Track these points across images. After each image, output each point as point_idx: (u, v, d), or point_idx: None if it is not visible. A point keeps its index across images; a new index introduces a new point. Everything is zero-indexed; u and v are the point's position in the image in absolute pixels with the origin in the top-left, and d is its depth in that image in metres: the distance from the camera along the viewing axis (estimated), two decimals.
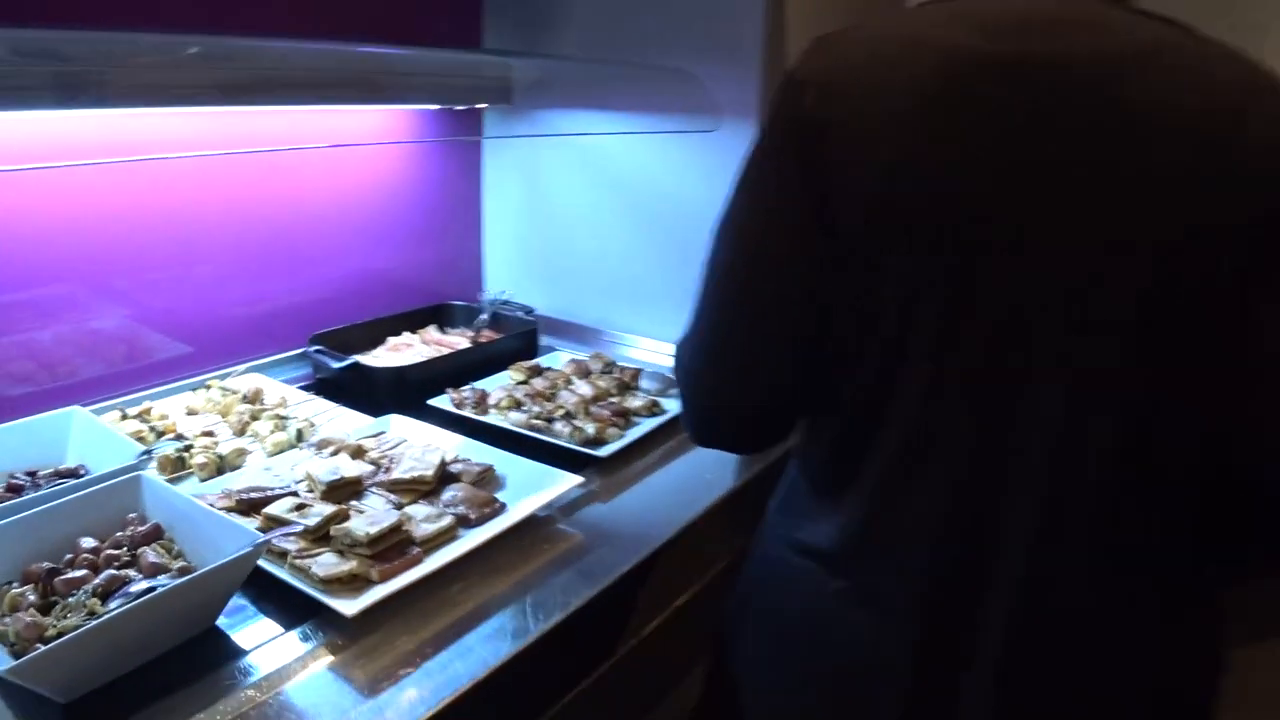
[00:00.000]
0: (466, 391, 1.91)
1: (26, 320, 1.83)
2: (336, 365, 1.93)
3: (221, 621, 1.28)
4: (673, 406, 1.92)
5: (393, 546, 1.37)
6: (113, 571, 1.28)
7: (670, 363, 2.23)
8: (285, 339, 2.14)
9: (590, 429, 1.74)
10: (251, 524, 1.41)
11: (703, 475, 1.71)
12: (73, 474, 1.58)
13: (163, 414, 1.81)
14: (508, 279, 2.62)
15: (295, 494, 1.49)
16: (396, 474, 1.54)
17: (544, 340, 2.42)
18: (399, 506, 1.49)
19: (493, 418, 1.85)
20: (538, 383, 1.99)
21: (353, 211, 2.32)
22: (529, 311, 2.38)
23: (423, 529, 1.42)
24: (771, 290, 1.10)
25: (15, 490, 1.54)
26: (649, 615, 1.50)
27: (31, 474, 1.59)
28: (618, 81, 2.19)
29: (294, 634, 1.26)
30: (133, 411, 1.79)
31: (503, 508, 1.50)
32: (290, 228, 2.20)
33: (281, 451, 1.69)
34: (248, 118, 2.03)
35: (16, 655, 1.12)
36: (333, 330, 2.13)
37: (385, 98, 2.10)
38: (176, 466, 1.62)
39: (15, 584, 1.27)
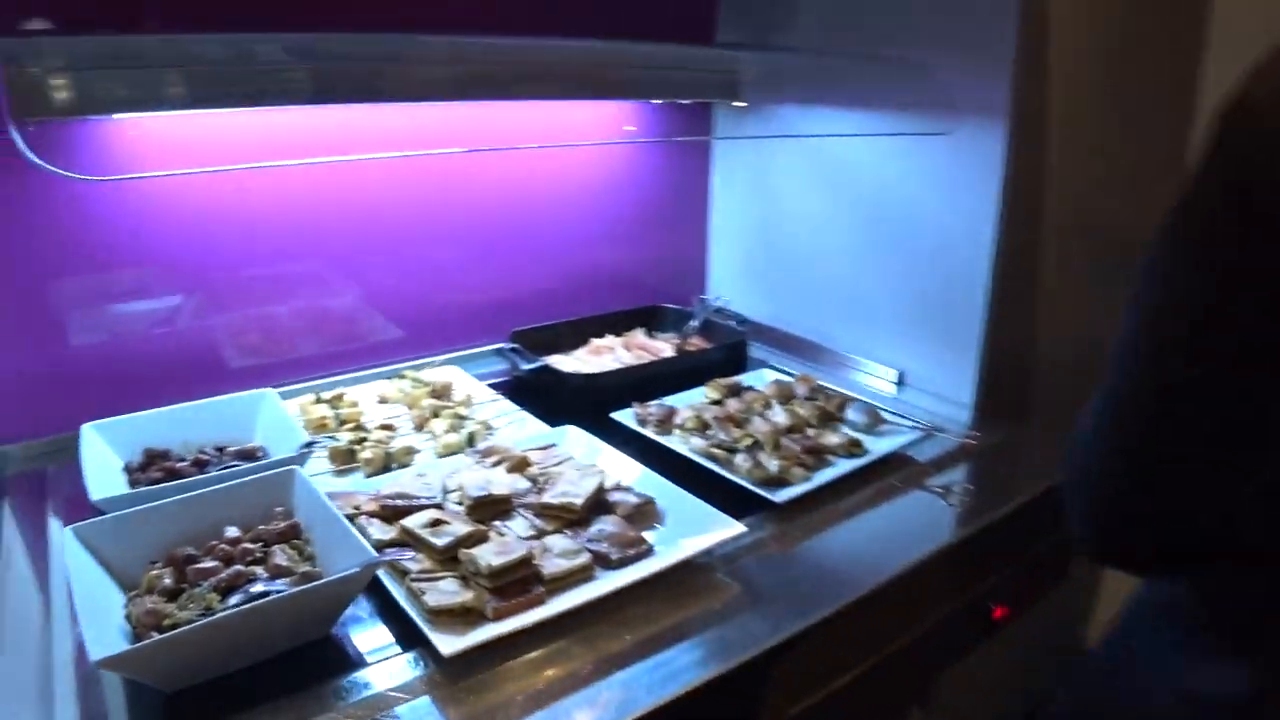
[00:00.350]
0: (653, 407, 1.76)
1: (262, 295, 1.92)
2: (526, 366, 1.85)
3: (345, 625, 1.25)
4: (877, 447, 1.67)
5: (517, 581, 1.25)
6: (240, 567, 1.25)
7: (888, 389, 2.04)
8: (496, 331, 2.09)
9: (774, 466, 1.54)
10: (389, 533, 1.35)
11: (901, 531, 1.47)
12: (251, 455, 1.60)
13: (353, 401, 1.82)
14: (730, 284, 2.46)
15: (440, 506, 1.41)
16: (546, 497, 1.42)
17: (758, 353, 2.24)
18: (540, 534, 1.37)
19: (673, 440, 1.68)
20: (733, 404, 1.80)
21: (574, 205, 2.25)
22: (741, 322, 2.19)
23: (553, 565, 1.29)
24: (1222, 388, 0.85)
25: (200, 465, 1.58)
26: (798, 697, 1.29)
27: (220, 450, 1.63)
28: (848, 76, 1.95)
29: (407, 657, 1.18)
30: (327, 395, 1.81)
31: (649, 551, 1.34)
32: (511, 219, 2.16)
33: (451, 453, 1.62)
34: (477, 111, 2.01)
35: (134, 639, 1.13)
36: (534, 328, 2.06)
37: (616, 92, 2.00)
38: (347, 459, 1.60)
39: (160, 565, 1.29)
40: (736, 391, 1.87)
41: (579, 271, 2.30)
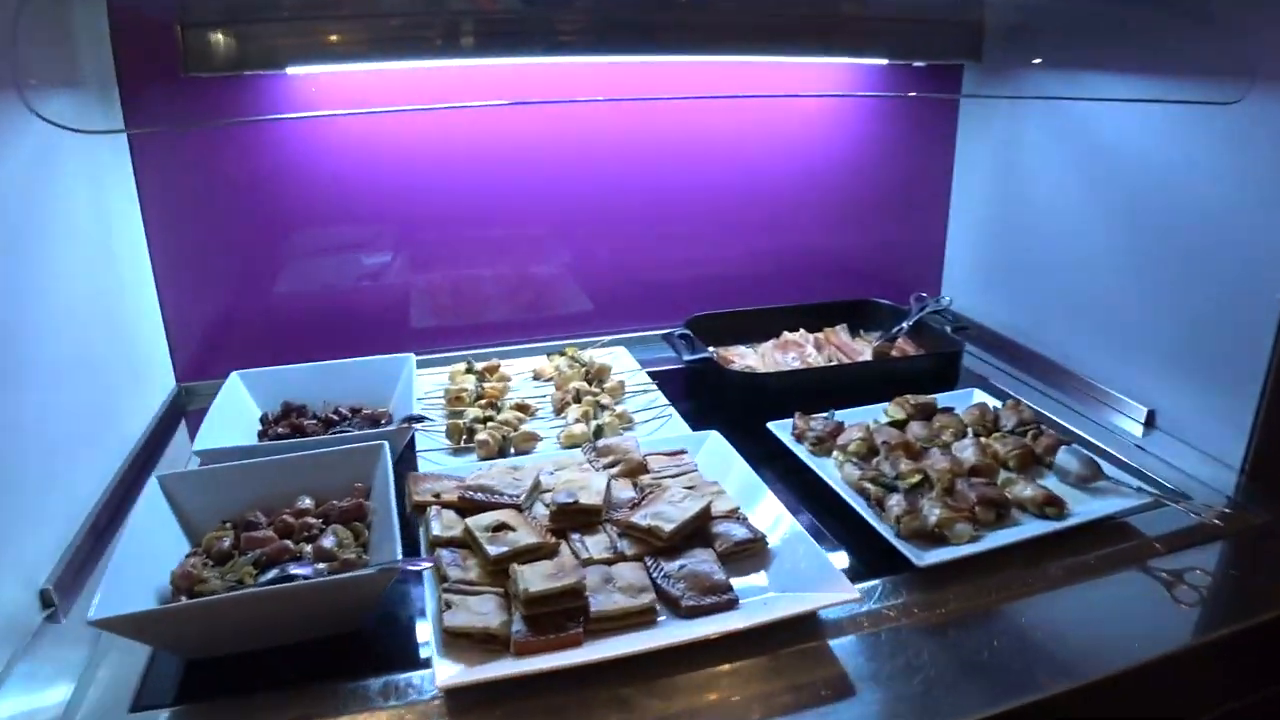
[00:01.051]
0: (817, 420, 1.47)
1: (456, 258, 1.88)
2: (687, 357, 1.62)
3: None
4: (1086, 508, 1.29)
5: (556, 614, 1.06)
6: (287, 543, 1.18)
7: (1132, 429, 1.62)
8: (687, 311, 1.88)
9: (933, 516, 1.21)
10: (456, 529, 1.21)
11: (1090, 626, 1.11)
12: (376, 421, 1.53)
13: (504, 375, 1.70)
14: (965, 283, 2.07)
15: (519, 507, 1.24)
16: (637, 515, 1.21)
17: (980, 366, 1.87)
18: (615, 558, 1.16)
19: (827, 464, 1.39)
20: (915, 428, 1.47)
21: (790, 179, 1.98)
22: (959, 329, 1.80)
23: (608, 601, 1.08)
24: None
25: (328, 424, 1.54)
26: None
27: (355, 411, 1.58)
28: (1112, 25, 1.50)
29: (418, 675, 1.04)
30: (480, 366, 1.70)
31: (731, 603, 1.09)
32: (719, 191, 1.95)
33: (574, 445, 1.45)
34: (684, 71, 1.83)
35: (170, 599, 1.09)
36: (715, 314, 1.82)
37: (835, 45, 1.71)
38: (464, 438, 1.48)
39: (229, 524, 1.24)
40: (928, 412, 1.53)
41: (789, 253, 2.03)
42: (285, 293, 1.79)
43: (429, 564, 1.10)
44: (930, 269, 2.13)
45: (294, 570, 1.12)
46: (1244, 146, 1.38)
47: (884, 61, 1.86)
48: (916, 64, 1.88)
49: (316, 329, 1.82)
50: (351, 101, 1.68)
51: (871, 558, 1.21)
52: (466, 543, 1.19)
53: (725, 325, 1.81)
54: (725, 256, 1.99)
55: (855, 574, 1.18)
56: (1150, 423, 1.59)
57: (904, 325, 1.81)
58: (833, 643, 1.07)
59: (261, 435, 1.52)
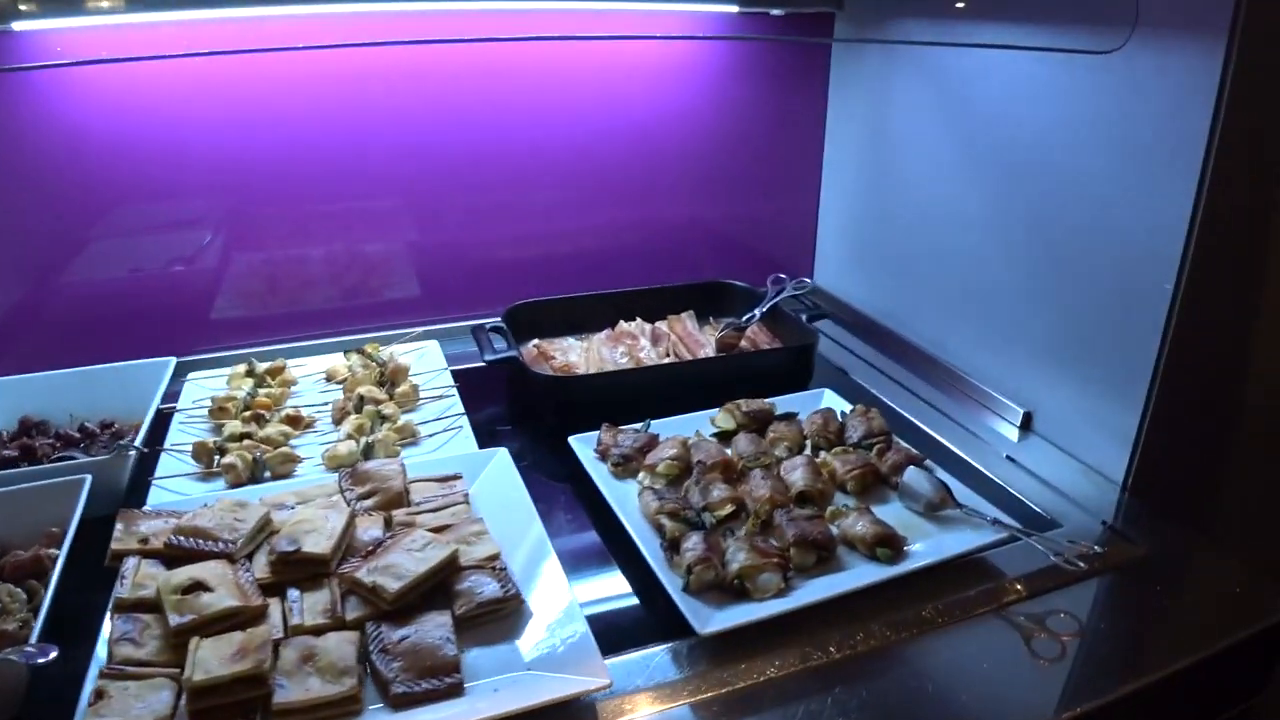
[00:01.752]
0: (627, 434, 1.25)
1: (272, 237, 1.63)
2: (488, 356, 1.40)
3: None
4: (928, 544, 1.08)
5: (230, 707, 0.85)
6: None
7: (1007, 433, 1.40)
8: (526, 295, 1.65)
9: (735, 563, 1.00)
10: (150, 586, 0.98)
11: (933, 700, 0.90)
12: (121, 435, 1.31)
13: (288, 379, 1.46)
14: (839, 260, 1.85)
15: (231, 557, 1.02)
16: (364, 570, 0.99)
17: (843, 358, 1.66)
18: (330, 625, 0.95)
19: (628, 490, 1.18)
20: (742, 442, 1.25)
21: (641, 146, 1.73)
22: (814, 318, 1.59)
23: (296, 689, 0.86)
24: None
25: (68, 442, 1.31)
26: None
27: (106, 426, 1.35)
28: None
29: None
30: (263, 367, 1.47)
31: (453, 690, 0.88)
32: (570, 162, 1.70)
33: (341, 467, 1.22)
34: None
35: None
36: (542, 301, 1.59)
37: None
38: (211, 460, 1.26)
39: None
40: (764, 420, 1.31)
41: (640, 232, 1.79)
42: (70, 282, 1.53)
43: (48, 655, 0.87)
44: (801, 247, 1.90)
45: None
46: (1129, 111, 1.15)
47: (734, 9, 1.60)
48: (774, 11, 1.63)
49: (101, 325, 1.56)
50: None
51: (669, 613, 1.00)
52: (151, 605, 0.97)
53: (553, 314, 1.58)
54: (570, 231, 1.75)
55: (643, 635, 0.98)
56: (1027, 425, 1.38)
57: (755, 313, 1.58)
58: None
59: None
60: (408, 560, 0.99)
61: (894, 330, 1.66)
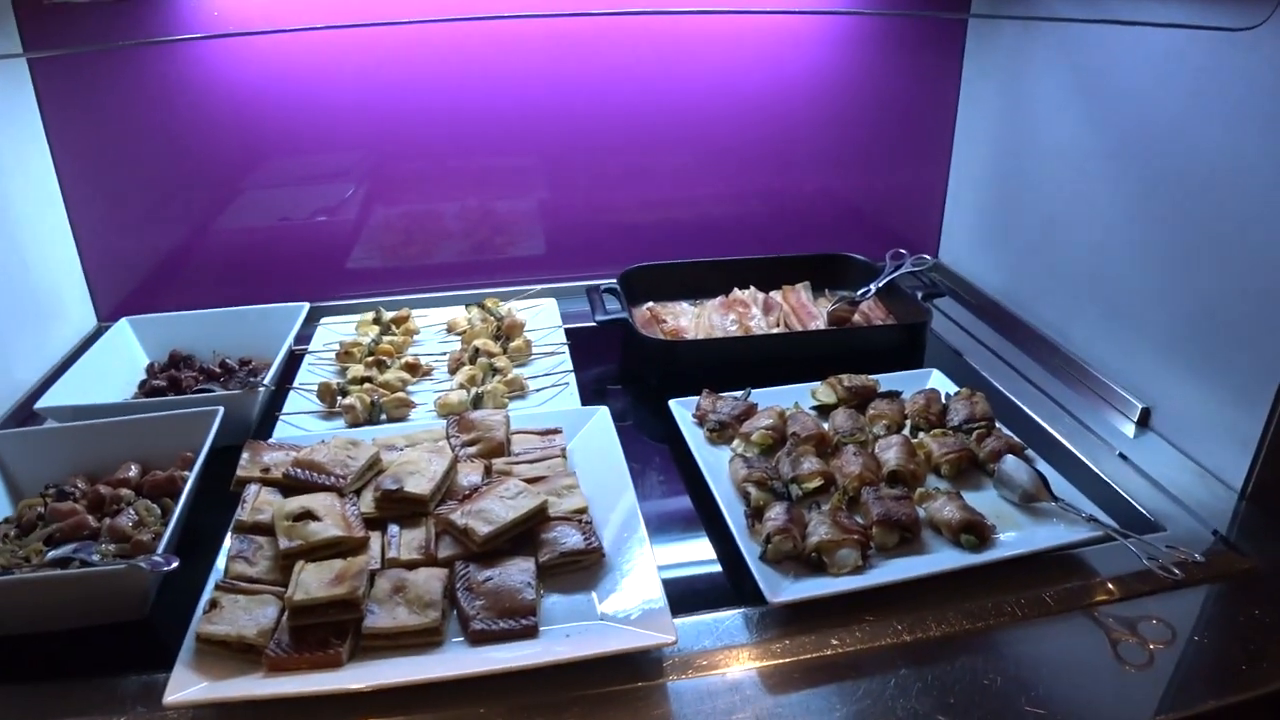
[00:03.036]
0: (726, 401, 1.27)
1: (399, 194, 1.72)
2: (599, 317, 1.43)
3: None
4: (1018, 536, 1.05)
5: (324, 626, 0.92)
6: (85, 519, 1.07)
7: (1124, 428, 1.34)
8: (635, 261, 1.67)
9: (816, 537, 1.00)
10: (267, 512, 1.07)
11: (1001, 696, 0.88)
12: (257, 373, 1.41)
13: (412, 328, 1.54)
14: (966, 238, 1.79)
15: (340, 491, 1.09)
16: (458, 513, 1.04)
17: (960, 337, 1.60)
18: (425, 560, 1.01)
19: (721, 456, 1.19)
20: (839, 417, 1.25)
21: (770, 118, 1.72)
22: (928, 295, 1.54)
23: (385, 616, 0.92)
24: None
25: (210, 376, 1.42)
26: None
27: (244, 363, 1.46)
28: None
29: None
30: (390, 316, 1.55)
31: (528, 631, 0.92)
32: (691, 126, 1.71)
33: (450, 414, 1.28)
34: None
35: None
36: (657, 265, 1.61)
37: None
38: (334, 400, 1.34)
39: (52, 489, 1.14)
40: (865, 396, 1.30)
41: (762, 200, 1.78)
42: (220, 229, 1.66)
43: (170, 565, 0.96)
44: (927, 223, 1.85)
45: (80, 553, 1.02)
46: (1274, 92, 1.08)
47: None
48: None
49: (249, 269, 1.68)
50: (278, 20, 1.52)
51: (739, 581, 1.01)
52: (265, 529, 1.05)
53: (668, 278, 1.60)
54: (692, 196, 1.76)
55: (720, 599, 1.00)
56: (1145, 422, 1.32)
57: (871, 287, 1.55)
58: (666, 683, 0.89)
59: (142, 387, 1.41)
60: (500, 507, 1.04)
61: (1015, 313, 1.61)
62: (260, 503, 1.08)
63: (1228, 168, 1.15)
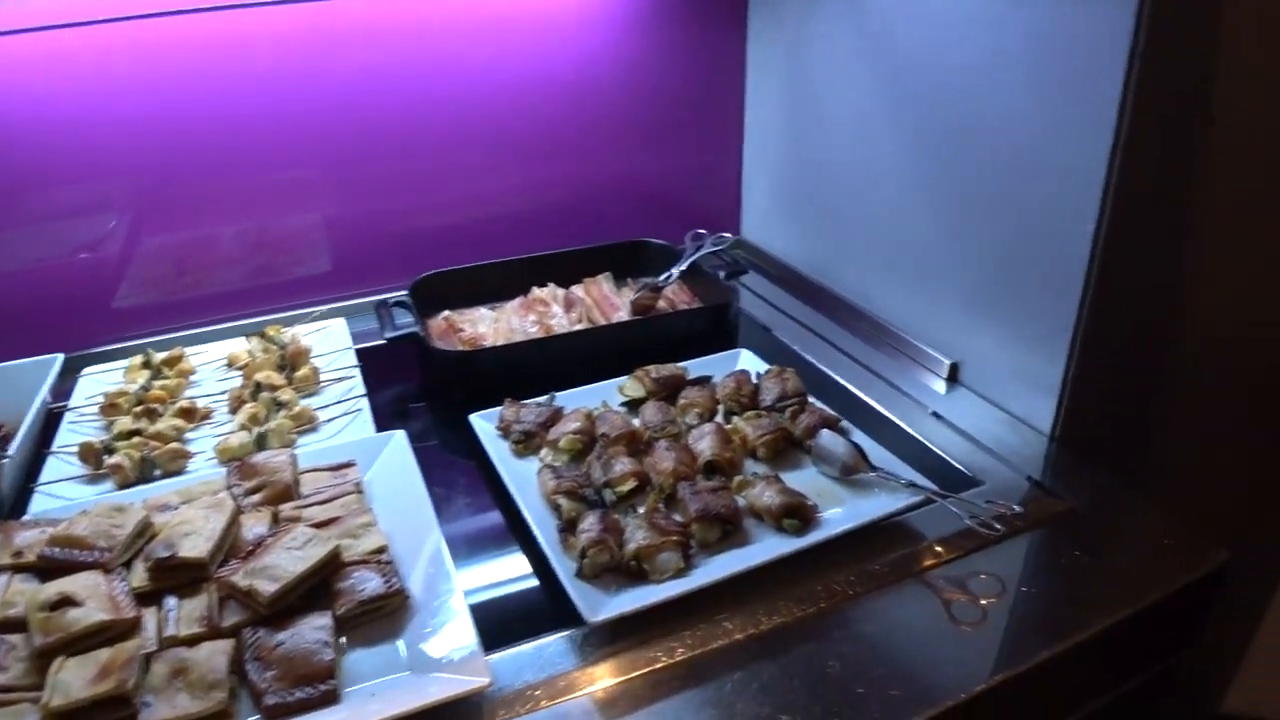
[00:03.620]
0: (530, 409, 1.20)
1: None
2: (389, 334, 1.34)
3: None
4: (843, 512, 1.04)
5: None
6: None
7: (936, 386, 1.32)
8: (431, 268, 1.58)
9: (632, 543, 0.96)
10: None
11: (840, 681, 0.85)
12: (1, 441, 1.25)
13: (185, 369, 1.40)
14: (766, 212, 1.78)
15: (105, 567, 0.97)
16: (240, 572, 0.94)
17: (769, 313, 1.59)
18: (207, 633, 0.90)
19: (530, 468, 1.13)
20: (649, 411, 1.21)
21: (547, 103, 1.65)
22: (732, 274, 1.53)
23: (163, 708, 0.82)
24: None
25: None
26: None
27: None
28: None
29: None
30: (160, 356, 1.41)
31: (327, 698, 0.84)
32: (467, 120, 1.62)
33: (233, 459, 1.17)
34: None
35: None
36: (451, 271, 1.52)
37: None
38: (99, 461, 1.20)
39: None
40: (676, 386, 1.27)
41: (558, 192, 1.71)
42: None
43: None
44: (727, 201, 1.83)
45: None
46: (1050, 43, 1.09)
47: None
48: None
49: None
50: None
51: (568, 598, 0.95)
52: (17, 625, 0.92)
53: (463, 283, 1.51)
54: (486, 195, 1.67)
55: (543, 623, 0.93)
56: (954, 377, 1.34)
57: (673, 272, 1.52)
58: None
59: None
60: (287, 559, 0.94)
61: (821, 282, 1.61)
62: (11, 594, 0.95)
63: (1011, 121, 1.17)
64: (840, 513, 1.04)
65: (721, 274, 1.51)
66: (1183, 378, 1.25)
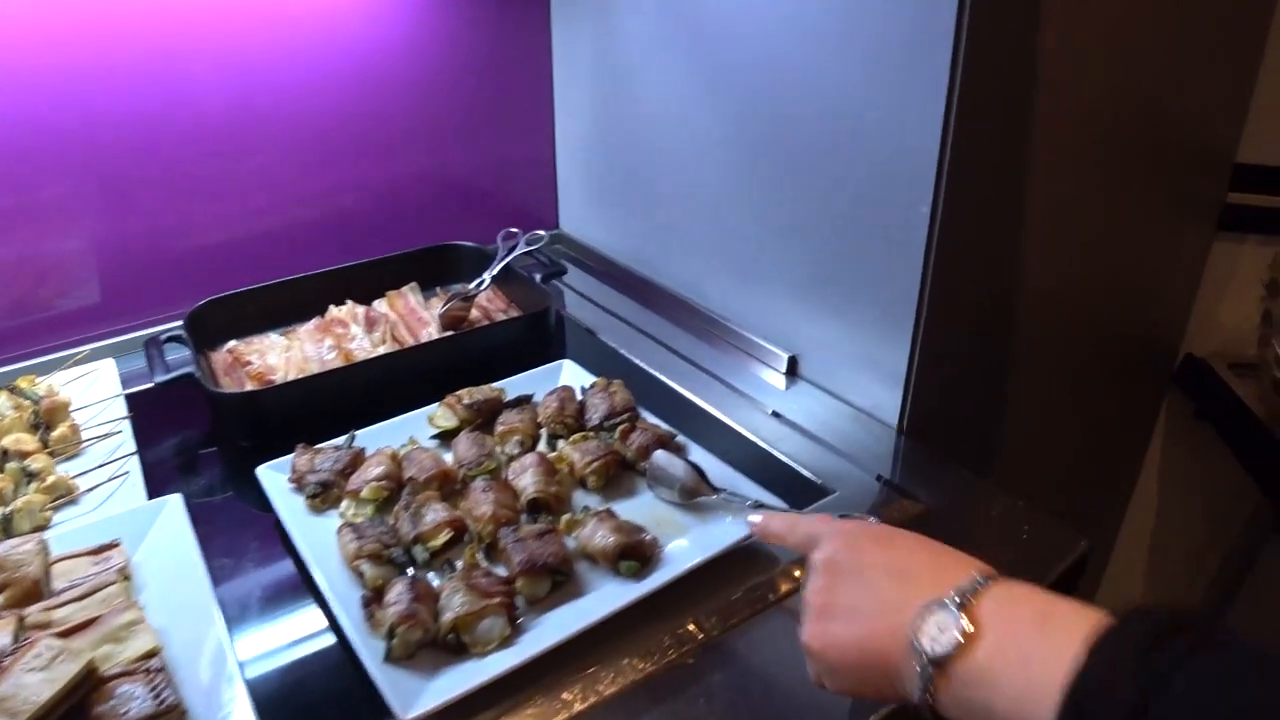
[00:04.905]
0: (326, 455, 1.06)
1: None
2: (159, 378, 1.16)
3: None
4: (688, 543, 0.95)
5: None
6: None
7: (775, 381, 1.25)
8: (217, 291, 1.39)
9: (450, 611, 0.84)
10: None
11: None
12: None
13: None
14: (584, 205, 1.68)
15: None
16: None
17: (596, 315, 1.48)
18: None
19: (330, 525, 1.00)
20: (461, 445, 1.08)
21: (348, 108, 1.49)
22: (550, 276, 1.42)
23: None
24: None
25: None
26: None
27: None
28: None
29: None
30: None
31: None
32: (270, 128, 1.44)
33: None
34: None
35: None
36: (234, 295, 1.34)
37: None
38: None
39: None
40: (493, 411, 1.15)
41: (362, 196, 1.55)
42: None
43: None
44: (543, 195, 1.71)
45: None
46: (871, 6, 1.02)
47: None
48: None
49: None
50: None
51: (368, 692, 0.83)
52: None
53: (249, 308, 1.33)
54: (278, 204, 1.49)
55: (357, 712, 0.81)
56: (794, 370, 1.27)
57: (485, 277, 1.39)
58: None
59: None
60: (32, 683, 0.78)
61: (648, 277, 1.51)
62: None
63: (833, 100, 1.09)
64: (685, 545, 0.95)
65: (538, 276, 1.39)
66: (1027, 360, 1.22)
